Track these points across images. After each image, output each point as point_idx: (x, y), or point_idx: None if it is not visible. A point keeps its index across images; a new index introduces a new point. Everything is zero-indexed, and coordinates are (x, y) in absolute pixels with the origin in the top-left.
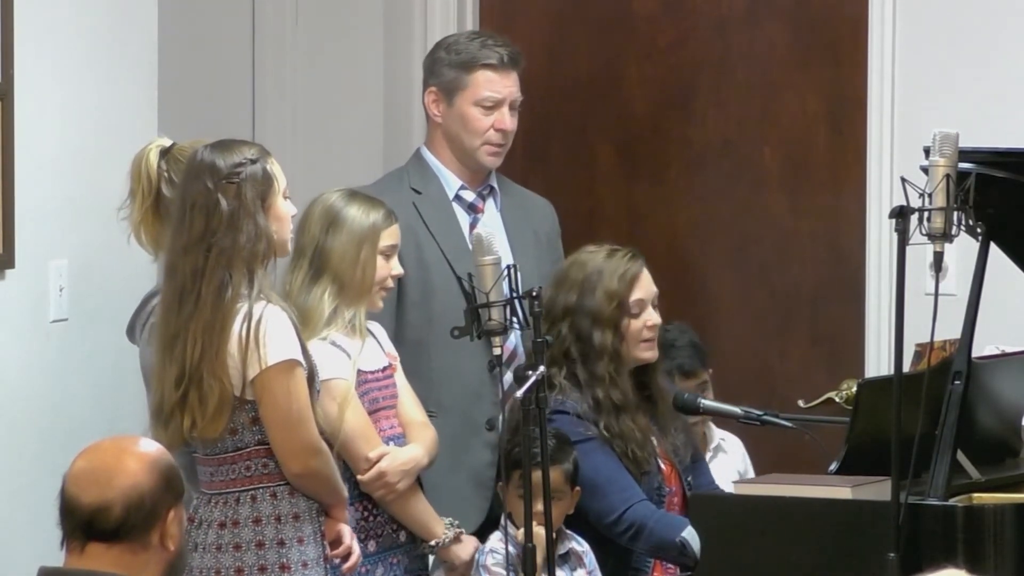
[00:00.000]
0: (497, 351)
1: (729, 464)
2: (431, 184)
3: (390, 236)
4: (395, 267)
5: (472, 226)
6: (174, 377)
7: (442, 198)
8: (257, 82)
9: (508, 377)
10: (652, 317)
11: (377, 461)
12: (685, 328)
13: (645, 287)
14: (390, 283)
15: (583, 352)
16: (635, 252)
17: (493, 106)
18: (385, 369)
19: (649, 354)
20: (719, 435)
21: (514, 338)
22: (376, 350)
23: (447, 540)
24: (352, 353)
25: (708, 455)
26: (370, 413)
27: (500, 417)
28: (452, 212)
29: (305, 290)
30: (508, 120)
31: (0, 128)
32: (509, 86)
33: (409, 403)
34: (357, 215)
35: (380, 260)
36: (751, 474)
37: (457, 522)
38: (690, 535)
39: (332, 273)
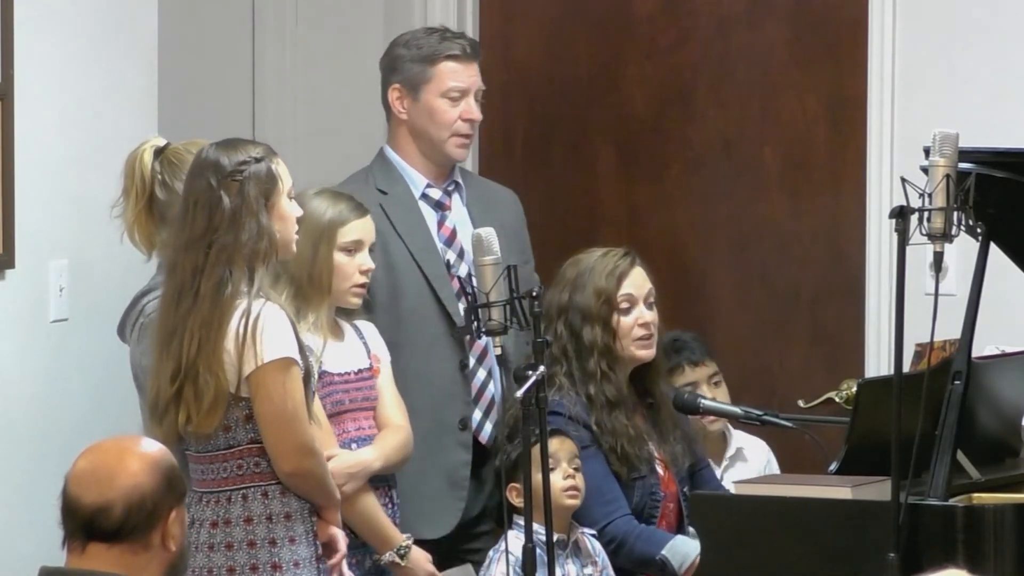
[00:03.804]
0: (498, 351)
1: (748, 474)
2: (397, 184)
3: (353, 231)
4: (363, 262)
5: (440, 224)
6: (170, 372)
7: (408, 198)
8: (257, 82)
9: (480, 376)
10: (644, 315)
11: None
12: (679, 332)
13: (635, 284)
14: (359, 278)
15: (576, 349)
16: (629, 251)
17: (459, 96)
18: (360, 371)
19: (644, 352)
20: (737, 443)
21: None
22: (355, 351)
23: (387, 559)
24: (315, 352)
25: (724, 463)
26: (332, 415)
27: (479, 417)
28: (419, 212)
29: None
30: (475, 109)
31: (0, 128)
32: (473, 76)
33: (388, 404)
34: (313, 213)
35: (343, 256)
36: None
37: (407, 543)
38: (671, 552)
39: (289, 274)
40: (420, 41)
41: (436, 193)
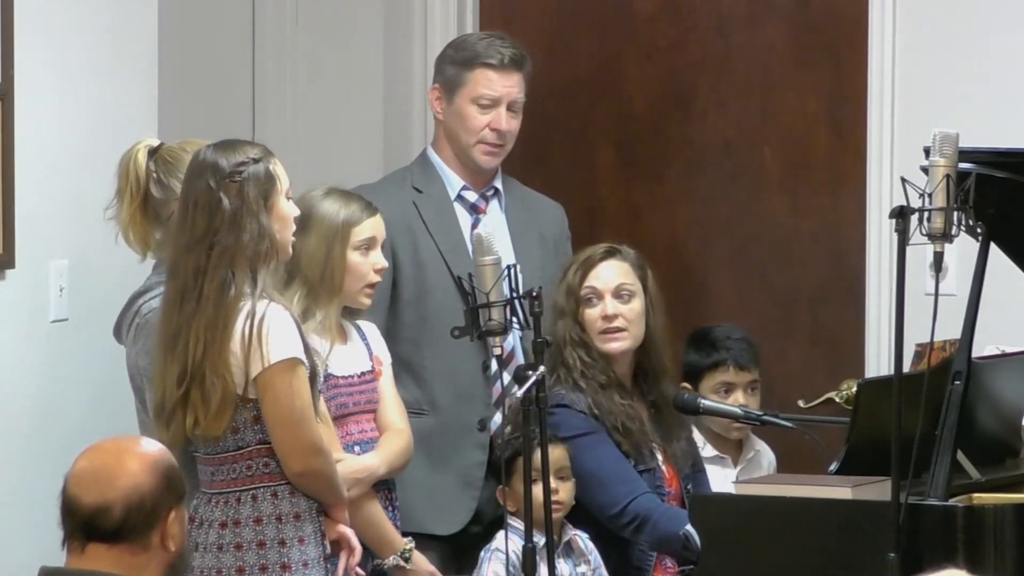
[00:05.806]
0: (497, 351)
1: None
2: (433, 183)
3: (366, 230)
4: (377, 260)
5: (474, 226)
6: (176, 375)
7: (443, 198)
8: (257, 82)
9: (504, 378)
10: (608, 308)
11: None
12: (736, 327)
13: (601, 278)
14: (372, 277)
15: (557, 343)
16: (611, 247)
17: (490, 105)
18: (363, 374)
19: (610, 346)
20: (756, 446)
21: (512, 339)
22: (358, 353)
23: (391, 562)
24: (321, 355)
25: (740, 465)
26: (336, 418)
27: (500, 420)
28: (452, 212)
29: (280, 292)
30: (504, 120)
31: (0, 128)
32: (508, 86)
33: (389, 407)
34: (327, 214)
35: (357, 256)
36: None
37: (410, 548)
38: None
39: (302, 275)
40: (466, 44)
41: (472, 196)
